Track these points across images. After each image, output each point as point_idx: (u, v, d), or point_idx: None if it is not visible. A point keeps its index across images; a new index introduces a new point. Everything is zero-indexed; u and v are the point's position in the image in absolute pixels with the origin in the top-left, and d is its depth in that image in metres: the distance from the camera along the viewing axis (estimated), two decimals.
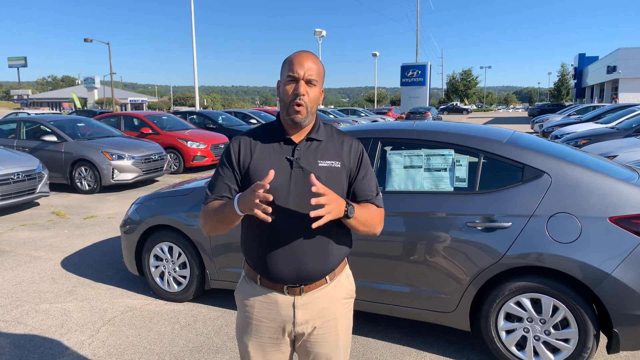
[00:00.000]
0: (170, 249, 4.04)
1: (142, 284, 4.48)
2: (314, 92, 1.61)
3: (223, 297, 4.14)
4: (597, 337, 2.74)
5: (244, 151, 1.68)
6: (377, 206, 1.74)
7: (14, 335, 3.52)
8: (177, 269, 4.03)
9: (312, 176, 1.46)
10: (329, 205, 1.45)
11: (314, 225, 1.45)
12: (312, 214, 1.44)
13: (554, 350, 2.85)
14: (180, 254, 4.00)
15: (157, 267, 4.13)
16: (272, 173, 1.44)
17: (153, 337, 3.47)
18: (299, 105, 1.59)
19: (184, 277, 4.02)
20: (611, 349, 2.74)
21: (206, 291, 4.15)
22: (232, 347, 3.32)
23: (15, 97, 66.87)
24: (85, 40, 35.88)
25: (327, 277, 1.71)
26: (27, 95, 68.10)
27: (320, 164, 1.65)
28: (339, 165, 1.67)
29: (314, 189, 1.44)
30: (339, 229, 1.71)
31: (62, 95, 78.15)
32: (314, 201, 1.43)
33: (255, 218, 1.66)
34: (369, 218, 1.66)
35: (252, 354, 1.75)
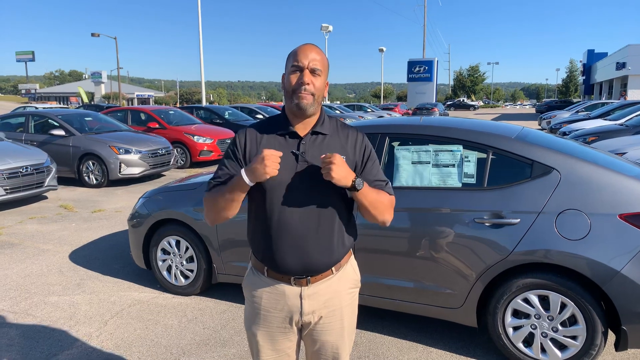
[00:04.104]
0: (178, 243, 4.06)
1: (150, 277, 4.51)
2: (318, 82, 1.63)
3: (230, 291, 4.16)
4: (605, 335, 2.73)
5: (250, 144, 1.70)
6: (388, 194, 1.76)
7: (23, 326, 3.55)
8: (184, 262, 4.05)
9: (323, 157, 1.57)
10: (336, 165, 1.52)
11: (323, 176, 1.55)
12: (322, 157, 1.56)
13: (562, 347, 2.85)
14: (187, 248, 4.01)
15: (164, 260, 4.15)
16: (280, 153, 1.55)
17: (160, 330, 3.50)
18: (304, 92, 1.60)
19: (191, 271, 4.04)
20: (619, 346, 2.73)
21: (213, 285, 4.17)
22: (239, 341, 3.33)
23: (23, 92, 67.24)
24: (93, 34, 35.96)
25: (333, 268, 1.75)
26: (35, 90, 68.48)
27: None
28: (344, 159, 1.68)
29: (324, 156, 1.57)
30: (344, 221, 1.73)
31: (70, 89, 78.53)
32: (322, 157, 1.56)
33: (261, 210, 1.68)
34: (378, 200, 1.68)
35: (261, 343, 1.78)
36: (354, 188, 1.58)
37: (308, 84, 1.59)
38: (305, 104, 1.61)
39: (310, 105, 1.62)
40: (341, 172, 1.53)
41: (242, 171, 1.57)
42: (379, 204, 1.68)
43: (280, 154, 1.54)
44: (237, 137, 1.73)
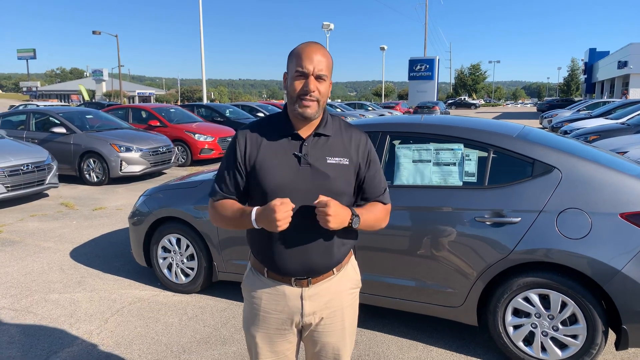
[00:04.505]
0: (178, 241, 4.06)
1: (150, 275, 4.51)
2: (324, 87, 1.58)
3: (230, 289, 4.16)
4: (605, 334, 2.73)
5: (250, 147, 1.65)
6: (384, 203, 1.76)
7: (24, 324, 3.56)
8: (184, 260, 4.06)
9: (321, 197, 1.54)
10: (332, 216, 1.50)
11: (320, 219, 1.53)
12: (317, 204, 1.52)
13: (562, 346, 2.84)
14: (188, 246, 4.01)
15: (165, 258, 4.15)
16: (292, 205, 1.53)
17: (161, 328, 3.50)
18: (309, 100, 1.56)
19: (192, 269, 4.04)
20: (619, 345, 2.73)
21: (213, 283, 4.17)
22: (239, 339, 3.33)
23: (25, 89, 67.26)
24: (94, 32, 35.96)
25: (334, 269, 1.73)
26: (36, 88, 68.50)
27: (328, 161, 1.63)
28: (347, 162, 1.66)
29: (318, 202, 1.53)
30: None
31: (71, 87, 78.53)
32: (316, 203, 1.52)
33: None
34: (375, 221, 1.71)
35: (260, 344, 1.76)
36: (350, 227, 1.60)
37: (313, 91, 1.55)
38: (310, 113, 1.58)
39: (315, 114, 1.59)
40: (337, 220, 1.52)
41: (253, 216, 1.57)
42: (375, 222, 1.71)
43: (293, 205, 1.52)
44: (237, 140, 1.68)
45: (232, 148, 1.69)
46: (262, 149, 1.64)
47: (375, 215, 1.70)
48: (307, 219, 1.61)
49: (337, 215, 1.51)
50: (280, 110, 1.72)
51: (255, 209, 1.57)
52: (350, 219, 1.58)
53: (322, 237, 1.65)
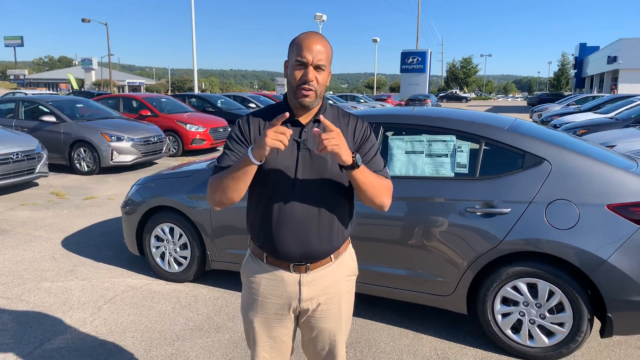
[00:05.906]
0: (171, 230, 4.07)
1: (143, 264, 4.52)
2: (322, 77, 1.61)
3: (223, 278, 4.19)
4: (590, 322, 2.80)
5: (254, 131, 1.69)
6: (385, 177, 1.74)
7: (16, 312, 3.56)
8: (177, 249, 4.07)
9: (321, 117, 1.49)
10: (337, 138, 1.45)
11: (320, 151, 1.47)
12: (324, 121, 1.46)
13: (549, 333, 2.91)
14: (181, 235, 4.03)
15: (158, 247, 4.16)
16: (287, 114, 1.47)
17: (154, 316, 3.52)
18: (307, 90, 1.59)
19: (185, 258, 4.05)
20: (604, 333, 2.80)
21: (206, 272, 4.19)
22: (232, 327, 3.37)
23: (12, 77, 66.29)
24: (83, 20, 35.47)
25: (332, 256, 1.76)
26: (24, 76, 67.52)
27: None
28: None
29: (322, 124, 1.46)
30: (345, 208, 1.75)
31: (59, 76, 77.49)
32: (321, 121, 1.48)
33: (262, 196, 1.69)
34: (377, 180, 1.64)
35: (257, 329, 1.80)
36: (355, 164, 1.53)
37: (312, 81, 1.58)
38: (308, 102, 1.61)
39: (312, 102, 1.62)
40: (341, 143, 1.47)
41: (249, 149, 1.52)
42: (378, 186, 1.64)
43: (289, 131, 1.46)
44: (241, 123, 1.72)
45: (238, 131, 1.71)
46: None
47: (376, 178, 1.64)
48: (308, 202, 1.65)
49: (341, 139, 1.47)
50: (282, 100, 1.75)
51: (250, 146, 1.55)
52: (353, 155, 1.53)
53: (322, 222, 1.68)
